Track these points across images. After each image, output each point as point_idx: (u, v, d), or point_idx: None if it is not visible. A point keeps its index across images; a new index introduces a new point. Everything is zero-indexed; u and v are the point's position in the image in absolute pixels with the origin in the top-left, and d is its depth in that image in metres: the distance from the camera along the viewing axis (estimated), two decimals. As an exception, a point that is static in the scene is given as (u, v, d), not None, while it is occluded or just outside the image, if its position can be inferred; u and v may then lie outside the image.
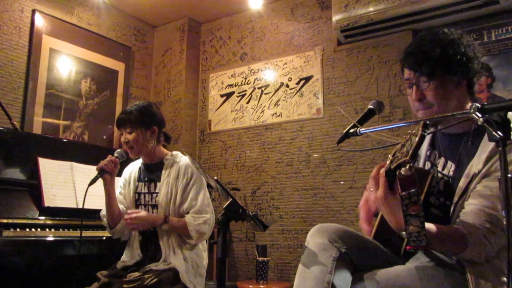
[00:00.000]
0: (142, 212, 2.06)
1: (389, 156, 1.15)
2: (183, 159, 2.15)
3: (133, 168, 2.26)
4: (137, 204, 2.17)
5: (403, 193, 1.02)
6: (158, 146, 2.18)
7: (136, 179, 2.21)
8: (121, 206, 2.16)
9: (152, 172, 2.19)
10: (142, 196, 2.18)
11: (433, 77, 1.32)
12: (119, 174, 2.19)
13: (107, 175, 2.05)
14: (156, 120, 2.16)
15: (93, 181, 2.02)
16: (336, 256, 1.29)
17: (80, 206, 2.64)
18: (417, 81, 1.36)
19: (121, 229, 2.12)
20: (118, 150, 2.13)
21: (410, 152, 1.01)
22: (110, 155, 2.09)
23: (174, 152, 2.20)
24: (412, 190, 1.01)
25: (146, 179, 2.19)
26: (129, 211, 2.07)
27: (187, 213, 2.06)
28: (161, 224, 2.02)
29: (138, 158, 2.24)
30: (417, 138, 1.02)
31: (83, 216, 2.17)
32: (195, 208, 2.05)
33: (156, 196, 2.12)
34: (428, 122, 1.07)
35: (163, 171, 2.14)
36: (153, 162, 2.19)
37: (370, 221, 1.44)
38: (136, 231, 2.13)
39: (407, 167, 1.01)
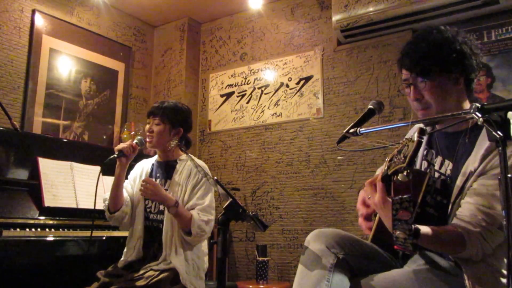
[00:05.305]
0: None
1: (386, 160, 1.16)
2: (197, 161, 2.14)
3: (145, 165, 2.30)
4: (145, 197, 2.17)
5: (395, 197, 1.02)
6: (177, 148, 2.21)
7: (148, 174, 2.24)
8: (125, 194, 2.17)
9: (165, 169, 2.22)
10: None
11: (429, 76, 1.32)
12: (128, 173, 2.20)
13: (124, 158, 2.09)
14: (186, 124, 2.24)
15: (109, 161, 2.06)
16: (333, 262, 1.29)
17: (80, 206, 2.65)
18: (414, 81, 1.37)
19: (120, 216, 2.12)
20: (139, 137, 2.17)
21: (408, 158, 1.02)
22: (130, 140, 2.15)
23: (190, 155, 2.21)
24: (405, 196, 1.00)
25: (157, 175, 2.23)
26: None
27: (192, 209, 2.07)
28: (170, 206, 2.01)
29: (152, 156, 2.23)
30: (414, 145, 1.03)
31: (94, 216, 2.18)
32: (202, 206, 2.07)
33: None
34: (424, 128, 1.07)
35: (176, 170, 2.18)
36: (167, 160, 2.24)
37: (370, 219, 1.44)
38: (140, 225, 2.13)
39: (405, 174, 1.01)
